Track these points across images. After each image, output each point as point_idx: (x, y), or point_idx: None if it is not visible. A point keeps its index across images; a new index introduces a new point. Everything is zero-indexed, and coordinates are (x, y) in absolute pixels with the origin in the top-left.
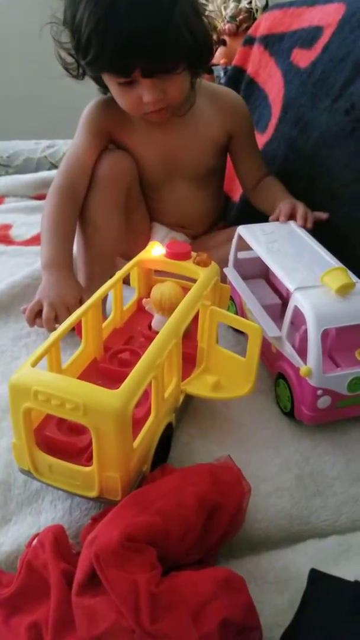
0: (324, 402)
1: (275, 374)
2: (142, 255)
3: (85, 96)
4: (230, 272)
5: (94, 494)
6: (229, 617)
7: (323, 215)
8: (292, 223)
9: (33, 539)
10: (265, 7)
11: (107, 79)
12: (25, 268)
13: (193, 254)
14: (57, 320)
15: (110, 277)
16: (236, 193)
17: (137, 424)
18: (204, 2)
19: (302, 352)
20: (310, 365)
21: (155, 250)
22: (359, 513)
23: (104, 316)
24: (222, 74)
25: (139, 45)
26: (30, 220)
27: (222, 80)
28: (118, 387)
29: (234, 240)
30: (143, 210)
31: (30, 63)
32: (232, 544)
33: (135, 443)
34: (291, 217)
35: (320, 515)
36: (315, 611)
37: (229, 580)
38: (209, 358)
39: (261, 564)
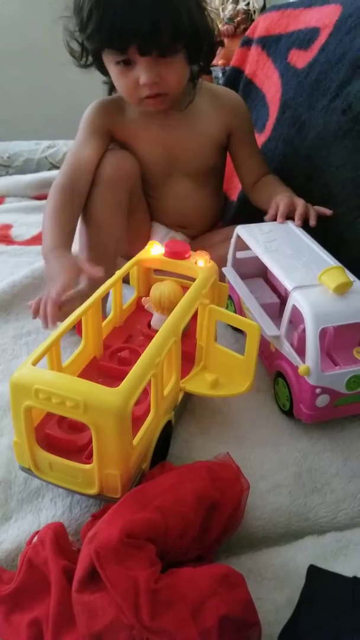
0: (322, 400)
1: (274, 372)
2: (142, 254)
3: (86, 97)
4: (229, 271)
5: (93, 491)
6: (228, 614)
7: (327, 211)
8: (290, 223)
9: (33, 536)
10: (263, 9)
11: (107, 62)
12: (25, 267)
13: (192, 252)
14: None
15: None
16: (234, 192)
17: (137, 421)
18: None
19: (301, 350)
20: (308, 364)
21: (154, 250)
22: (357, 510)
23: (104, 315)
24: (220, 74)
25: (136, 19)
26: (30, 220)
27: (220, 81)
28: (118, 385)
29: (233, 240)
30: (144, 210)
31: (31, 64)
32: (231, 541)
33: (135, 441)
34: (290, 213)
35: (319, 512)
36: (314, 607)
37: (227, 576)
38: (208, 356)
39: (260, 561)
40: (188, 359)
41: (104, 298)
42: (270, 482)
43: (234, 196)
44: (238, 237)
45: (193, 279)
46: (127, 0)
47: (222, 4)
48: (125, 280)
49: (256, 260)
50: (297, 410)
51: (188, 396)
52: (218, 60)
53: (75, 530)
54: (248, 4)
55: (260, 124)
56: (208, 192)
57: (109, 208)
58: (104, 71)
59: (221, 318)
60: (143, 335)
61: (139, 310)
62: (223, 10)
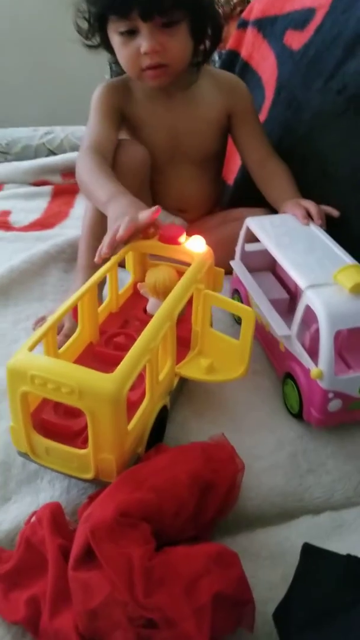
0: (334, 405)
1: (283, 373)
2: None
3: (83, 84)
4: (237, 265)
5: (89, 475)
6: (221, 591)
7: (334, 212)
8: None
9: (31, 516)
10: None
11: (111, 33)
12: (23, 253)
13: (187, 237)
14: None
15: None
16: (230, 177)
17: (132, 406)
18: None
19: (313, 352)
20: (321, 367)
21: None
22: (353, 489)
23: (100, 301)
24: (216, 57)
25: None
26: (29, 207)
27: (217, 64)
28: (113, 371)
29: (242, 233)
30: (148, 197)
31: (28, 52)
32: (227, 521)
33: (130, 426)
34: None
35: (314, 492)
36: (308, 584)
37: (221, 555)
38: (203, 341)
39: (255, 540)
40: (183, 344)
41: (100, 283)
42: (265, 462)
43: (230, 180)
44: (247, 229)
45: (188, 264)
46: None
47: None
48: (121, 264)
49: (264, 253)
50: (307, 414)
51: (184, 380)
52: None
53: (72, 511)
54: None
55: (257, 106)
56: (209, 177)
57: None
58: (109, 49)
59: (216, 303)
60: (139, 321)
61: (135, 295)
62: None
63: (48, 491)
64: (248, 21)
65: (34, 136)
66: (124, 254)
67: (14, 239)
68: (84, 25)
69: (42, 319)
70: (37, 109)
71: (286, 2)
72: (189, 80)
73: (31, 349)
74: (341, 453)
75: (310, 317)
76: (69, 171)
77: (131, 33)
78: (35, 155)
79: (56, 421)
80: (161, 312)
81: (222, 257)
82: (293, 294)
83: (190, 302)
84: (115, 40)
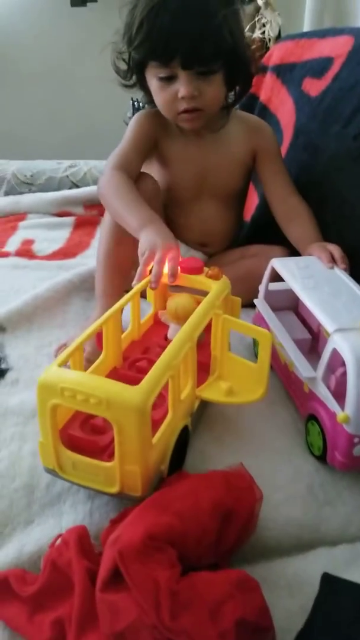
0: None
1: (306, 414)
2: None
3: (104, 120)
4: (260, 304)
5: (115, 489)
6: (244, 617)
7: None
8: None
9: (56, 539)
10: (278, 37)
11: (150, 77)
12: (47, 281)
13: (205, 268)
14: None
15: (127, 291)
16: (247, 213)
17: (155, 425)
18: None
19: (338, 395)
20: (348, 412)
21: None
22: None
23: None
24: None
25: (183, 33)
26: (51, 236)
27: (237, 107)
28: None
29: (267, 273)
30: None
31: (53, 86)
32: (244, 550)
33: (154, 439)
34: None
35: (331, 524)
36: (328, 614)
37: (244, 581)
38: (222, 365)
39: (273, 570)
40: (203, 369)
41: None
42: (282, 493)
43: (247, 216)
44: (272, 269)
45: (206, 294)
46: (176, 15)
47: None
48: (142, 295)
49: (287, 292)
50: (332, 458)
51: (203, 407)
52: None
53: (95, 535)
54: (264, 32)
55: None
56: (232, 214)
57: None
58: (144, 89)
59: (234, 327)
60: (160, 347)
61: (156, 325)
62: None
63: (71, 514)
64: (267, 67)
65: (58, 169)
66: (145, 284)
67: (37, 267)
68: (122, 65)
69: (63, 346)
70: (60, 143)
71: (305, 50)
72: (219, 122)
73: (61, 365)
74: (357, 485)
75: (335, 360)
76: (90, 203)
77: (170, 78)
78: (59, 187)
79: (83, 436)
80: (182, 333)
81: (241, 292)
82: (315, 334)
83: (208, 329)
84: (154, 83)
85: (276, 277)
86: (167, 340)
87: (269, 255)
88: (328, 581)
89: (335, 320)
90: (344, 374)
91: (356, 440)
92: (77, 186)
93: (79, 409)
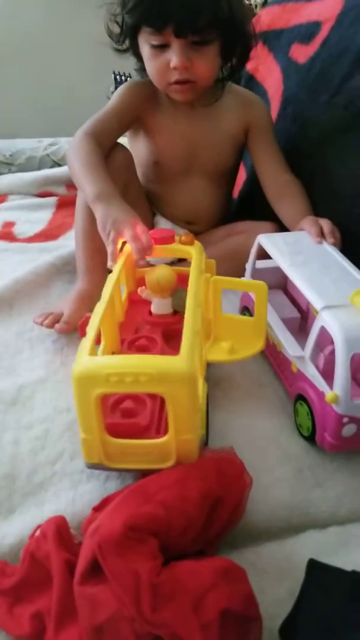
0: (349, 430)
1: (294, 394)
2: (127, 248)
3: (86, 95)
4: None
5: (170, 462)
6: (229, 607)
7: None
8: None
9: (36, 530)
10: (265, 3)
11: (142, 42)
12: (28, 264)
13: (176, 236)
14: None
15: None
16: (235, 190)
17: (146, 432)
18: None
19: (327, 374)
20: (337, 391)
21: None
22: (359, 504)
23: None
24: None
25: (177, 1)
26: (33, 218)
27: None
28: None
29: (253, 250)
30: (144, 205)
31: (31, 63)
32: (233, 535)
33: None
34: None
35: (320, 506)
36: (314, 600)
37: (229, 570)
38: (218, 326)
39: (262, 554)
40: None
41: None
42: (271, 476)
43: (235, 193)
44: (259, 246)
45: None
46: None
47: None
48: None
49: (275, 270)
50: (321, 438)
51: None
52: None
53: (78, 524)
54: None
55: None
56: (222, 192)
57: None
58: (137, 56)
59: (227, 285)
60: (149, 324)
61: (133, 304)
62: None
63: (53, 503)
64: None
65: (38, 147)
66: (123, 263)
67: (18, 250)
68: (115, 29)
69: (46, 315)
70: (41, 120)
71: (292, 15)
72: (213, 96)
73: (91, 354)
74: (347, 467)
75: (324, 338)
76: (73, 183)
77: (162, 46)
78: (40, 167)
79: (123, 422)
80: (190, 300)
81: (228, 270)
82: (304, 313)
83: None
84: (146, 50)
85: (265, 254)
86: (152, 316)
87: (258, 232)
88: (314, 568)
89: (323, 297)
90: (333, 352)
91: (345, 420)
92: (58, 165)
93: (127, 391)
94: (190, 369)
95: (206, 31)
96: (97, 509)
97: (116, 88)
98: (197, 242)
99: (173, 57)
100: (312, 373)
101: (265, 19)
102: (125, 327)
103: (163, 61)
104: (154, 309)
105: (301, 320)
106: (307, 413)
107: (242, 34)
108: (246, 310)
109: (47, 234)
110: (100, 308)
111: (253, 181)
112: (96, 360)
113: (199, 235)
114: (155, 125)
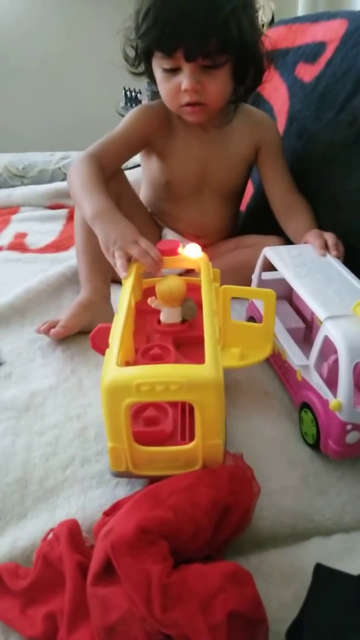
0: (353, 437)
1: (299, 402)
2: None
3: (97, 111)
4: None
5: (196, 467)
6: (236, 609)
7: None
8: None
9: (48, 533)
10: (271, 23)
11: (155, 66)
12: (39, 274)
13: (180, 246)
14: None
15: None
16: (243, 203)
17: (165, 438)
18: None
19: (331, 383)
20: (340, 399)
21: None
22: None
23: None
24: None
25: (186, 25)
26: (44, 229)
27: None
28: None
29: (259, 262)
30: (144, 216)
31: (45, 79)
32: (239, 541)
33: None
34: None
35: (325, 513)
36: (320, 605)
37: (236, 573)
38: (227, 333)
39: (267, 560)
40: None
41: None
42: (276, 483)
43: (243, 206)
44: (265, 258)
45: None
46: (182, 5)
47: None
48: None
49: (280, 282)
50: (325, 446)
51: None
52: None
53: (88, 528)
54: (257, 17)
55: None
56: (230, 208)
57: None
58: (152, 79)
59: (236, 294)
60: (159, 333)
61: (140, 314)
62: None
63: (64, 508)
64: None
65: (50, 161)
66: (133, 273)
67: (30, 260)
68: (131, 53)
69: (53, 323)
70: (53, 135)
71: (298, 35)
72: (225, 118)
73: (119, 365)
74: (351, 475)
75: (328, 348)
76: None
77: (174, 70)
78: (51, 180)
79: (148, 430)
80: (207, 308)
81: (235, 282)
82: (309, 323)
83: (200, 306)
84: (158, 73)
85: (270, 266)
86: (161, 325)
87: (265, 246)
88: (321, 572)
89: (327, 307)
90: (336, 361)
91: (349, 427)
92: None
93: (157, 400)
94: (217, 376)
95: (216, 55)
96: (108, 513)
97: (126, 103)
98: (202, 253)
99: (184, 80)
100: (316, 381)
101: (272, 38)
102: (136, 336)
103: (174, 84)
104: (163, 318)
105: (306, 330)
106: (311, 421)
107: (254, 57)
108: (252, 319)
109: (58, 245)
110: (120, 319)
111: (261, 196)
112: (125, 371)
113: (207, 248)
114: (168, 148)
